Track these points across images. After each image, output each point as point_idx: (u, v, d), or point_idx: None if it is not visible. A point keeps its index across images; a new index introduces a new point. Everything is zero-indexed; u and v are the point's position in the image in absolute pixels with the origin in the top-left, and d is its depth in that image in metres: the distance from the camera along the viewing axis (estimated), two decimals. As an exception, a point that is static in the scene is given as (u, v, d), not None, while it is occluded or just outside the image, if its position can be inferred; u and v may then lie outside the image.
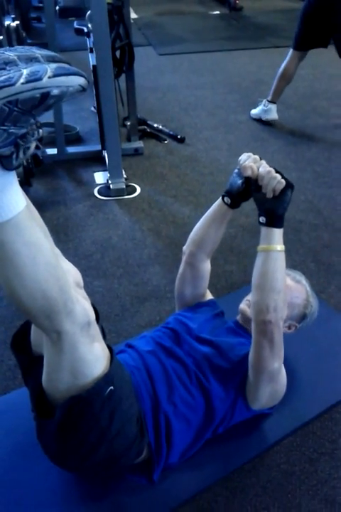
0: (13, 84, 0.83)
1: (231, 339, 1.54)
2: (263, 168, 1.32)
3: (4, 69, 0.85)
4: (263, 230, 1.33)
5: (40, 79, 0.84)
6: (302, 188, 2.69)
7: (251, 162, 1.35)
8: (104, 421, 1.18)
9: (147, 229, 2.46)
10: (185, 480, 1.39)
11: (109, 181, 2.73)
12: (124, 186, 2.73)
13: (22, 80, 0.84)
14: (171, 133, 3.38)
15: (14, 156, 0.92)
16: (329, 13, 3.16)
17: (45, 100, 0.86)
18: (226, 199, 1.47)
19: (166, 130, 3.41)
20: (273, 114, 3.55)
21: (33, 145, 0.98)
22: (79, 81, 0.87)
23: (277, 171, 1.31)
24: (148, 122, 3.48)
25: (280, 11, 7.02)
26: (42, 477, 1.40)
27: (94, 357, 1.15)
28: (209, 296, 1.73)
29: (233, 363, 1.45)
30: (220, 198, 1.49)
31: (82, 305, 1.10)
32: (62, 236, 2.36)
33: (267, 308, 1.30)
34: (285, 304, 1.35)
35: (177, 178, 2.92)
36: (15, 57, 0.86)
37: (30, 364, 1.35)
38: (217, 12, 7.02)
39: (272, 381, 1.40)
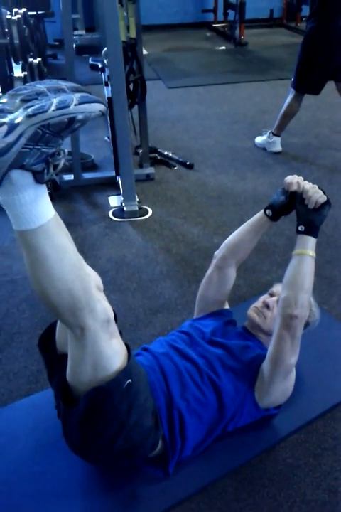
0: (45, 111, 0.99)
1: (240, 342, 1.65)
2: (308, 184, 1.53)
3: (36, 99, 1.01)
4: (300, 237, 1.51)
5: (68, 106, 1.00)
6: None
7: (297, 179, 1.55)
8: (123, 412, 1.28)
9: (158, 247, 2.60)
10: (196, 472, 1.49)
11: (123, 204, 2.90)
12: (137, 208, 2.89)
13: (53, 108, 1.00)
14: (180, 160, 3.55)
15: (45, 171, 1.08)
16: (334, 52, 3.31)
17: (71, 124, 1.02)
18: (268, 212, 1.63)
19: (176, 157, 3.59)
20: (278, 147, 3.72)
21: (61, 162, 1.14)
22: (99, 107, 1.03)
23: (319, 188, 1.51)
24: (159, 150, 3.66)
25: (283, 45, 7.29)
26: (62, 471, 1.51)
27: (113, 352, 1.27)
28: (227, 305, 1.85)
29: (243, 364, 1.57)
30: (261, 211, 1.66)
31: (103, 304, 1.23)
32: (80, 254, 2.50)
33: (295, 303, 1.44)
34: (309, 306, 1.49)
35: (186, 201, 3.07)
36: (45, 89, 1.02)
37: (54, 362, 1.47)
38: (223, 47, 7.30)
39: (286, 376, 1.52)
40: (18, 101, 1.02)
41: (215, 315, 1.79)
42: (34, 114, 0.98)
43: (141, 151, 3.43)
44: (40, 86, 1.05)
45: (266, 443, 1.58)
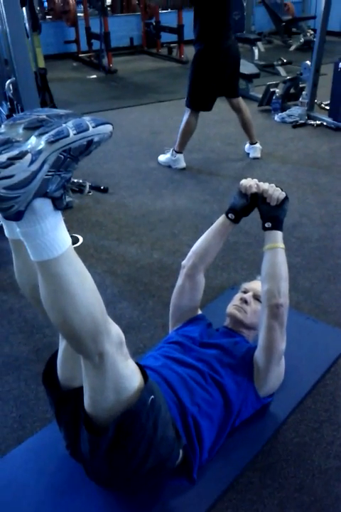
0: (67, 136, 0.98)
1: (229, 340, 1.72)
2: (266, 184, 1.65)
3: (43, 125, 0.99)
4: (269, 233, 1.62)
5: (87, 129, 1.00)
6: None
7: (252, 182, 1.65)
8: (150, 430, 1.27)
9: (102, 271, 2.57)
10: (217, 474, 1.52)
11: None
12: (68, 237, 2.82)
13: (74, 132, 0.99)
14: (93, 185, 3.54)
15: (64, 197, 1.06)
16: (220, 70, 3.58)
17: (89, 147, 1.02)
18: (230, 215, 1.72)
19: (88, 183, 3.56)
20: (182, 163, 3.89)
21: (86, 188, 1.14)
22: (110, 128, 1.03)
23: (277, 186, 1.64)
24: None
25: (151, 70, 7.63)
26: (85, 507, 1.44)
27: (131, 372, 1.26)
28: (199, 310, 1.91)
29: (238, 358, 1.64)
30: (223, 215, 1.74)
31: (115, 326, 1.22)
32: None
33: (279, 293, 1.55)
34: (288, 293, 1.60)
35: (113, 223, 3.08)
36: (45, 116, 1.00)
37: (62, 400, 1.40)
38: (94, 76, 7.40)
39: (279, 362, 1.62)
40: (21, 130, 1.00)
41: (194, 321, 1.84)
42: (56, 140, 0.97)
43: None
44: (39, 113, 1.04)
45: (270, 430, 1.66)
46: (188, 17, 8.43)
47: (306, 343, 2.01)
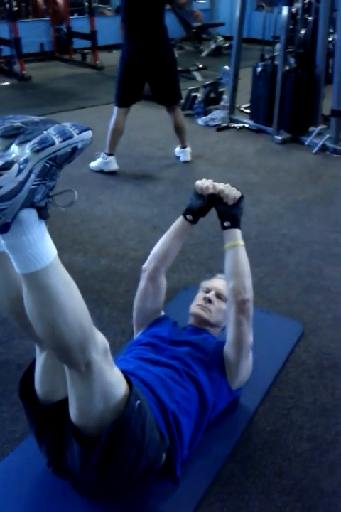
0: (53, 144, 0.96)
1: (198, 336, 1.75)
2: (221, 184, 1.68)
3: (22, 133, 0.96)
4: (228, 232, 1.66)
5: (71, 136, 0.98)
6: (168, 220, 3.05)
7: (208, 183, 1.67)
8: (138, 435, 1.28)
9: (50, 282, 2.49)
10: (199, 471, 1.54)
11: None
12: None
13: (59, 139, 0.97)
14: (26, 194, 3.42)
15: (48, 206, 1.04)
16: (145, 69, 3.65)
17: (73, 154, 1.01)
18: (188, 217, 1.73)
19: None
20: (114, 165, 3.88)
21: (76, 197, 1.11)
22: (91, 134, 1.02)
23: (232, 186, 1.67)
24: None
25: (67, 76, 7.50)
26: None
27: (117, 379, 1.26)
28: (162, 312, 1.92)
29: (209, 353, 1.67)
30: (181, 217, 1.76)
31: (99, 335, 1.22)
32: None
33: (244, 289, 1.60)
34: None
35: (53, 232, 2.97)
36: (20, 123, 0.97)
37: (42, 416, 1.36)
38: (8, 83, 7.11)
39: (248, 355, 1.67)
40: None
41: (159, 322, 1.85)
42: (42, 148, 0.95)
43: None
44: (12, 120, 1.01)
45: (243, 422, 1.72)
46: (101, 23, 8.47)
47: (264, 334, 2.08)
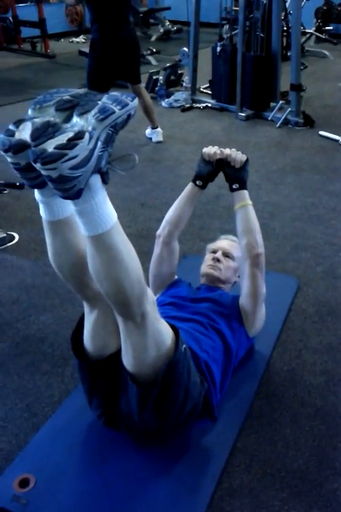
0: (114, 112, 1.05)
1: (214, 293, 1.90)
2: (228, 150, 1.81)
3: (77, 105, 1.04)
4: (237, 193, 1.81)
5: (127, 104, 1.08)
6: (154, 197, 3.18)
7: (215, 149, 1.80)
8: (186, 376, 1.42)
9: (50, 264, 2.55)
10: (233, 410, 1.69)
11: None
12: (5, 235, 2.74)
13: (118, 107, 1.07)
14: (8, 182, 3.41)
15: (108, 171, 1.13)
16: (114, 57, 3.73)
17: (127, 121, 1.10)
18: (198, 182, 1.86)
19: (1, 181, 3.43)
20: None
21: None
22: (137, 102, 1.12)
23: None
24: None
25: (19, 66, 7.37)
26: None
27: (165, 327, 1.39)
28: (176, 275, 2.04)
29: (228, 306, 1.82)
30: (190, 183, 1.88)
31: (148, 287, 1.33)
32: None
33: (257, 244, 1.76)
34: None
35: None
36: (69, 96, 1.05)
37: (96, 370, 1.45)
38: None
39: (262, 304, 1.83)
40: (54, 112, 1.04)
41: (175, 284, 1.98)
42: (106, 117, 1.03)
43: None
44: (60, 94, 1.08)
45: (262, 364, 1.88)
46: (49, 10, 8.34)
47: (266, 289, 2.26)
